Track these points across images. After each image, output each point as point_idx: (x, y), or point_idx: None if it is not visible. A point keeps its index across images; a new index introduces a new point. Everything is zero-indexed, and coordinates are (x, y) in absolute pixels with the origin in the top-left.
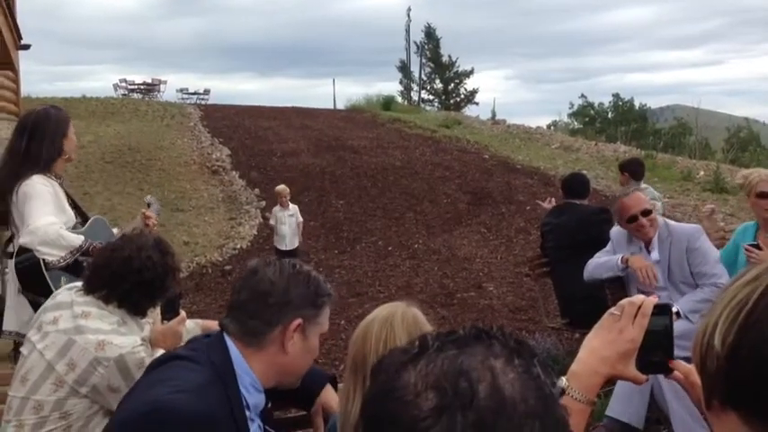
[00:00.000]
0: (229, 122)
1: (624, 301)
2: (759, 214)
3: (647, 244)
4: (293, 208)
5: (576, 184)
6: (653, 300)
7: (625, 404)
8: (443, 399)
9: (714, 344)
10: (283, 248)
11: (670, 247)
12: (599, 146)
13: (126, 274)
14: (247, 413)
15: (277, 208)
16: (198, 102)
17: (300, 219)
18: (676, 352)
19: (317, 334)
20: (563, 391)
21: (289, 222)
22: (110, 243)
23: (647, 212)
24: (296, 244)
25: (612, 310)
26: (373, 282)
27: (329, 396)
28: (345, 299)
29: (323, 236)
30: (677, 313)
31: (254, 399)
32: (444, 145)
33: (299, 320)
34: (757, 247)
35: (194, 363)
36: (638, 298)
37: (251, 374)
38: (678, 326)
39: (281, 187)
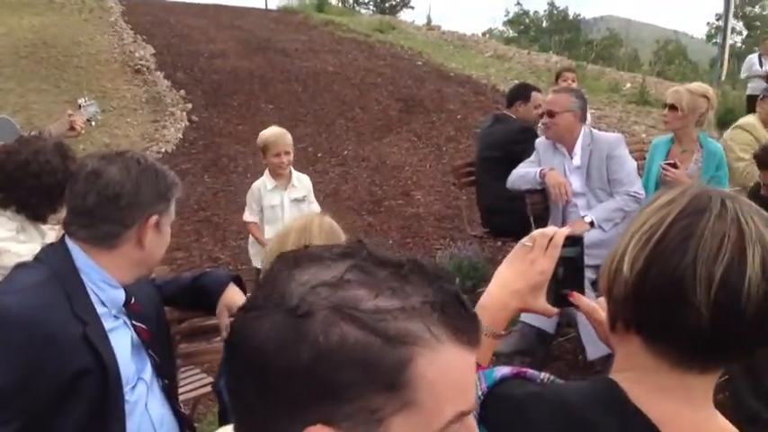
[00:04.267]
0: (153, 19)
1: (536, 233)
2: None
3: (570, 150)
4: (301, 183)
5: (513, 96)
6: (565, 231)
7: None
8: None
9: (623, 269)
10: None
11: (591, 153)
12: (531, 55)
13: (22, 179)
14: (103, 309)
15: (264, 181)
16: None
17: (317, 207)
18: (588, 260)
19: (169, 223)
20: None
21: (291, 212)
22: (4, 145)
23: (550, 114)
24: None
25: (524, 240)
26: None
27: (232, 294)
28: None
29: (251, 141)
30: (591, 223)
31: (109, 294)
32: (378, 50)
33: (155, 217)
34: (674, 165)
35: (31, 267)
36: (551, 229)
37: (100, 271)
38: (591, 235)
39: (275, 133)
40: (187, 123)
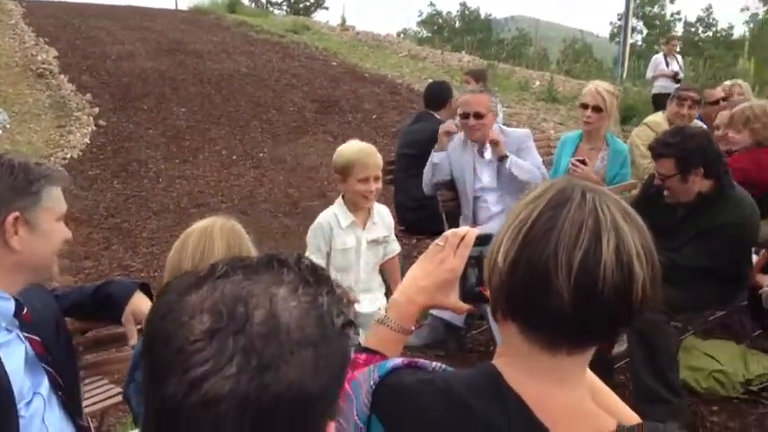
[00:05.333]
0: (56, 21)
1: (449, 232)
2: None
3: (481, 146)
4: (382, 220)
5: (432, 95)
6: (476, 231)
7: None
8: (217, 322)
9: (498, 260)
10: None
11: None
12: (445, 55)
13: None
14: None
15: (336, 215)
16: None
17: (398, 247)
18: None
19: (51, 219)
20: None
21: (366, 257)
22: None
23: (478, 115)
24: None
25: (437, 240)
26: (216, 192)
27: (138, 302)
28: (186, 209)
29: (163, 145)
30: (505, 156)
31: None
32: (292, 51)
33: (14, 215)
34: (583, 162)
35: None
36: (462, 229)
37: None
38: (495, 225)
39: (364, 151)
40: (94, 128)
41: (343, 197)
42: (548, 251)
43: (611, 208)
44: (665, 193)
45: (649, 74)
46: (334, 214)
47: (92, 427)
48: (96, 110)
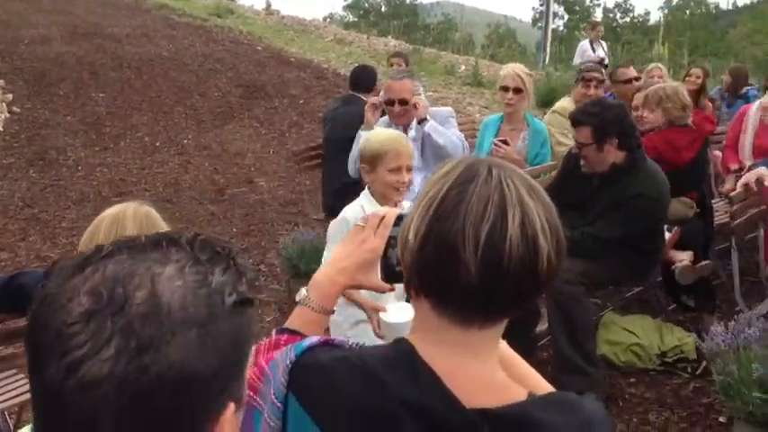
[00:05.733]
0: None
1: (369, 213)
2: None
3: (405, 127)
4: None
5: (358, 78)
6: (396, 211)
7: None
8: (96, 304)
9: (409, 238)
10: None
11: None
12: (371, 40)
13: None
14: None
15: (364, 208)
16: None
17: None
18: None
19: None
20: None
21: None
22: None
23: (403, 102)
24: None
25: (358, 221)
26: (139, 180)
27: None
28: (108, 198)
29: (81, 132)
30: (425, 119)
31: None
32: (215, 35)
33: None
34: (505, 142)
35: None
36: (383, 209)
37: None
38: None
39: (394, 138)
40: (7, 115)
41: (368, 189)
42: (456, 226)
43: (517, 183)
44: (582, 162)
45: (577, 60)
46: (362, 207)
47: (10, 422)
48: (9, 96)
